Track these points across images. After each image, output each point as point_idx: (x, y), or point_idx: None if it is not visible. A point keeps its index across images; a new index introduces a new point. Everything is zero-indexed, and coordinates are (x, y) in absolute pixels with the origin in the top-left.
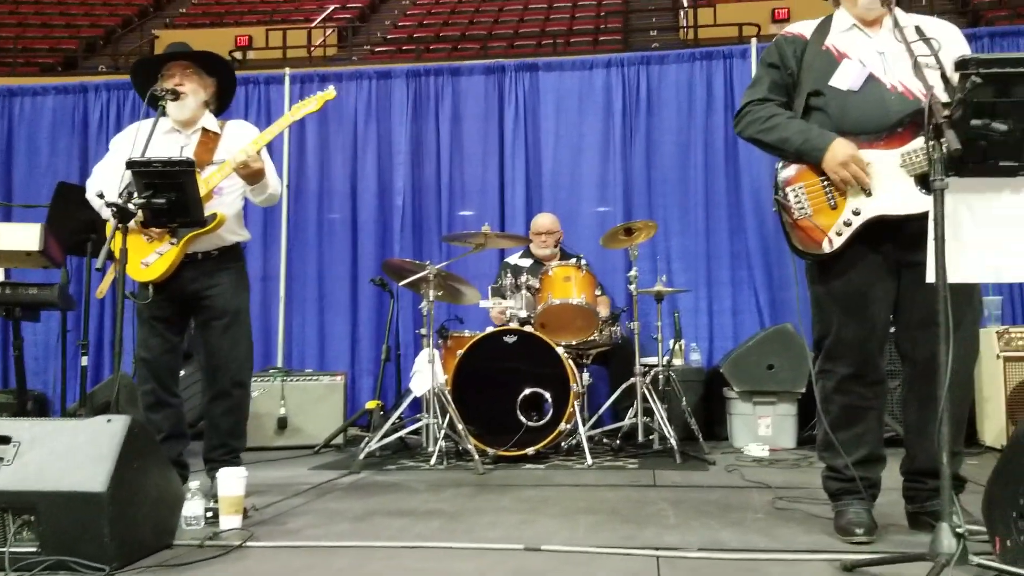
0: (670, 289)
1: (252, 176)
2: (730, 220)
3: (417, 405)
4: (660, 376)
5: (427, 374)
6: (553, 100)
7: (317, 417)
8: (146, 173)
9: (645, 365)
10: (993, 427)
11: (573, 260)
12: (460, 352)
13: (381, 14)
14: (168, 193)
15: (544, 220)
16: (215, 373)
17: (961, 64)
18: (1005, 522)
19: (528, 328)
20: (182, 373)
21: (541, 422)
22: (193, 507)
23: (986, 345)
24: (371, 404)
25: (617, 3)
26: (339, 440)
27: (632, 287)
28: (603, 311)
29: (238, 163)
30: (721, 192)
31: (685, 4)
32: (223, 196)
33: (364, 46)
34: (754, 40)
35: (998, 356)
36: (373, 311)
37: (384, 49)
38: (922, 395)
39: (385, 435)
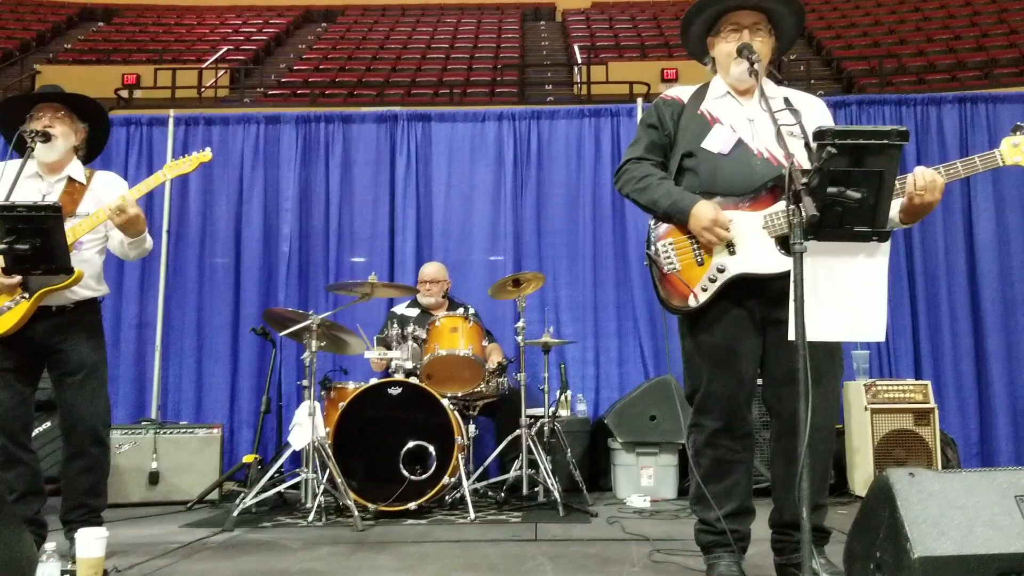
0: (557, 340)
1: (130, 224)
2: (616, 272)
3: (298, 458)
4: (545, 427)
5: (307, 427)
6: (445, 150)
7: (191, 472)
8: (9, 217)
9: (531, 416)
10: (861, 477)
11: (460, 310)
12: (343, 404)
13: (276, 57)
14: (32, 239)
15: (431, 269)
16: (72, 430)
17: (818, 135)
18: (863, 573)
19: (413, 379)
20: (46, 426)
21: (424, 475)
22: (48, 570)
23: (855, 398)
24: (248, 458)
25: (514, 57)
26: (214, 496)
27: (519, 338)
28: (495, 359)
29: (114, 209)
30: (608, 244)
31: (579, 61)
32: (82, 251)
33: (257, 88)
34: (640, 99)
35: (866, 408)
36: (255, 361)
37: (277, 92)
38: (788, 449)
39: (262, 490)
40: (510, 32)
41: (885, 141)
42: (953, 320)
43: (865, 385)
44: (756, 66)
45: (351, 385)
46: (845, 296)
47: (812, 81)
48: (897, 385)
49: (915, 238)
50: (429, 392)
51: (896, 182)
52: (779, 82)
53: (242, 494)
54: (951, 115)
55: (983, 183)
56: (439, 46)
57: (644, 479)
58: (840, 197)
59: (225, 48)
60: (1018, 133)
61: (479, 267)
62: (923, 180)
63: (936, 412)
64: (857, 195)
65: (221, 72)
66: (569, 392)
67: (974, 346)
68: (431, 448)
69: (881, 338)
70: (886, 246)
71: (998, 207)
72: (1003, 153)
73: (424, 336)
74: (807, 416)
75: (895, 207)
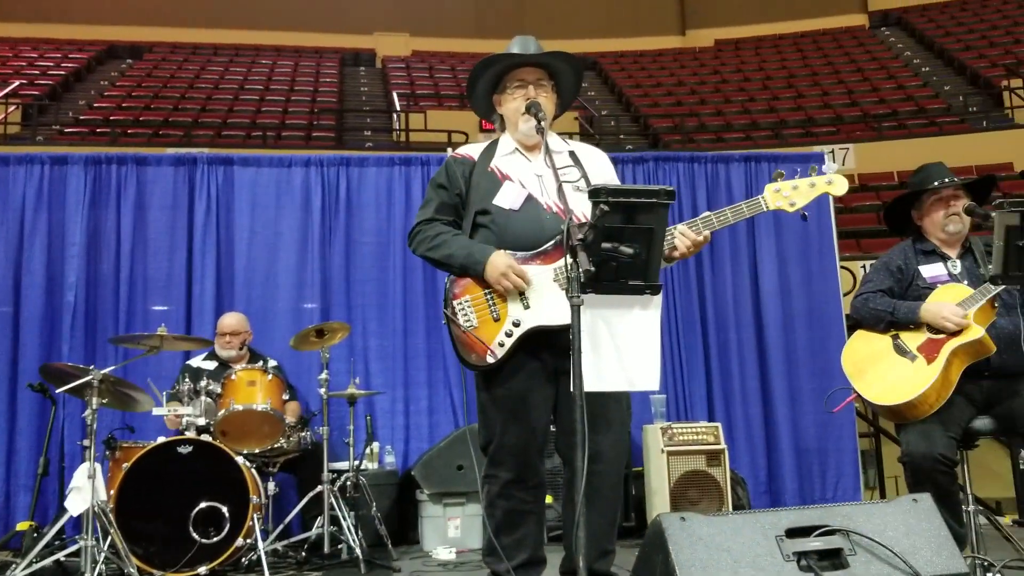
0: (363, 392)
1: None
2: (428, 320)
3: (80, 524)
4: (349, 482)
5: (86, 490)
6: (249, 195)
7: None
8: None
9: (335, 471)
10: None
11: (260, 363)
12: (127, 464)
13: (75, 93)
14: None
15: (230, 320)
16: None
17: (593, 193)
18: None
19: (206, 436)
20: None
21: (217, 538)
22: None
23: (653, 441)
24: (23, 525)
25: (332, 102)
26: None
27: (322, 390)
28: (290, 417)
29: None
30: (419, 292)
31: (398, 108)
32: None
33: (52, 126)
34: (449, 149)
35: (663, 451)
36: (34, 419)
37: (75, 131)
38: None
39: (36, 559)
40: (328, 76)
41: (654, 200)
42: (742, 365)
43: (662, 428)
44: (543, 123)
45: (139, 443)
46: (622, 347)
47: (621, 136)
48: (691, 428)
49: (707, 287)
50: (222, 449)
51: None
52: (597, 132)
53: (14, 564)
54: (738, 172)
55: (767, 238)
56: (253, 87)
57: (451, 530)
58: (614, 252)
59: (18, 83)
60: (779, 180)
61: (284, 316)
62: (683, 246)
63: (726, 453)
64: (630, 250)
65: (12, 108)
66: (377, 444)
67: (761, 389)
68: (224, 509)
69: (655, 387)
70: (658, 299)
71: (780, 261)
72: (766, 199)
73: (219, 391)
74: (583, 465)
75: None
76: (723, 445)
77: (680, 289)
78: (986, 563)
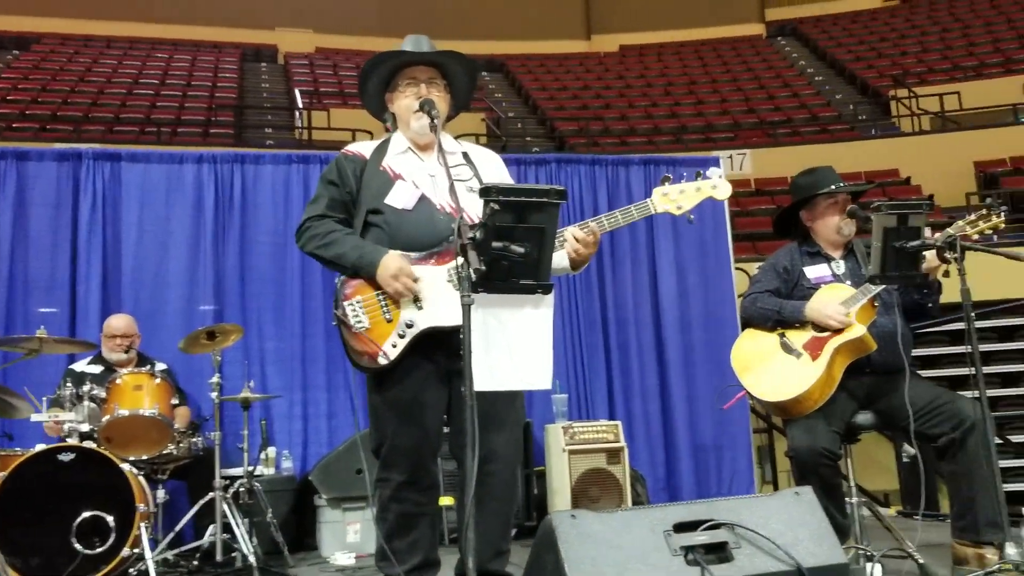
0: (258, 395)
1: None
2: (327, 322)
3: None
4: (243, 488)
5: None
6: (137, 192)
7: None
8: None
9: (228, 477)
10: None
11: (147, 367)
12: (3, 474)
13: None
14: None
15: (117, 322)
16: None
17: (483, 192)
18: None
19: (90, 443)
20: None
21: (102, 548)
22: None
23: (554, 440)
24: None
25: (231, 98)
26: None
27: (214, 394)
28: (180, 423)
29: None
30: (318, 294)
31: (300, 105)
32: None
33: None
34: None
35: (564, 450)
36: None
37: None
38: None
39: None
40: (228, 72)
41: (545, 199)
42: (642, 364)
43: (563, 427)
44: (436, 121)
45: (18, 451)
46: (514, 346)
47: (528, 138)
48: (591, 427)
49: (608, 289)
50: (106, 456)
51: (560, 235)
52: (507, 134)
53: None
54: (638, 174)
55: (665, 241)
56: (148, 82)
57: (351, 535)
58: (505, 251)
59: None
60: (666, 184)
61: (176, 318)
62: (576, 244)
63: (626, 451)
64: (521, 250)
65: None
66: (273, 449)
67: (660, 388)
68: (109, 518)
69: (548, 386)
70: (550, 298)
71: (678, 263)
72: (654, 202)
73: (103, 395)
74: (473, 466)
75: (565, 256)
76: (623, 443)
77: (582, 290)
78: (868, 553)
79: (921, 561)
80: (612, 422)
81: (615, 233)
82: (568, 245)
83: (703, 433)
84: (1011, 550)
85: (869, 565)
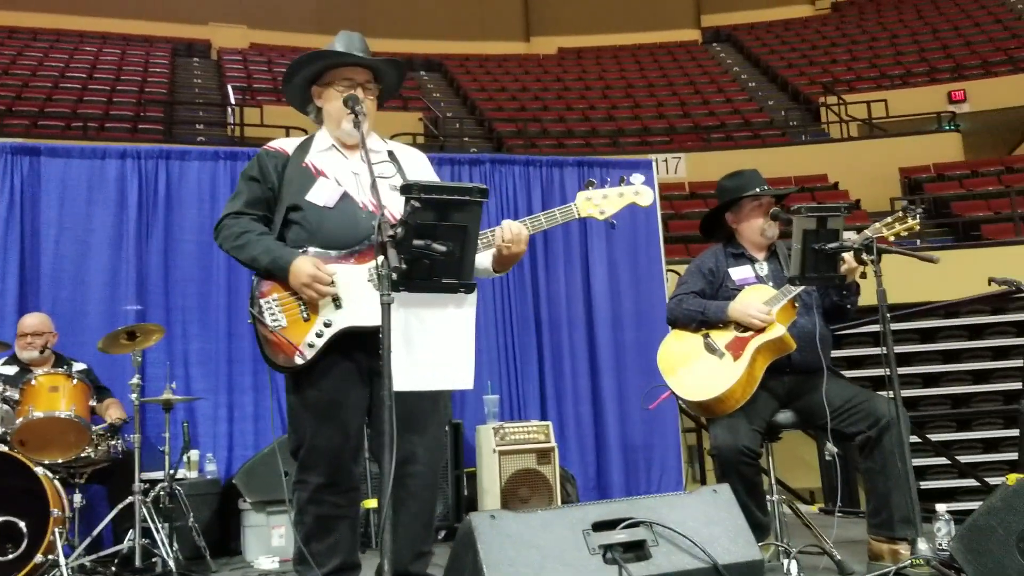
0: (180, 397)
1: None
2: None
3: None
4: (163, 492)
5: None
6: (57, 188)
7: None
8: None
9: (149, 481)
10: None
11: (64, 368)
12: None
13: None
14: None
15: (31, 320)
16: None
17: (404, 188)
18: None
19: (1, 447)
20: None
21: (13, 555)
22: None
23: (485, 441)
24: None
25: (162, 93)
26: None
27: (134, 396)
28: (113, 413)
29: None
30: (244, 294)
31: (232, 102)
32: None
33: None
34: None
35: (494, 450)
36: None
37: None
38: (393, 499)
39: None
40: (159, 67)
41: (468, 198)
42: (574, 364)
43: (494, 428)
44: (361, 118)
45: None
46: (435, 346)
47: (466, 139)
48: (522, 427)
49: (541, 289)
50: (18, 460)
51: (489, 234)
52: (443, 134)
53: None
54: (572, 176)
55: (598, 242)
56: (75, 76)
57: (275, 539)
58: (427, 250)
59: None
60: (590, 188)
61: (97, 319)
62: (510, 233)
63: (556, 451)
64: (443, 248)
65: None
66: (196, 452)
67: (591, 388)
68: (21, 523)
69: (469, 386)
70: (473, 297)
71: (611, 264)
72: (578, 207)
73: (17, 397)
74: (391, 468)
75: (488, 257)
76: (553, 443)
77: (516, 290)
78: (786, 549)
79: (837, 557)
80: (543, 422)
81: (549, 233)
82: (496, 239)
83: (633, 433)
84: (923, 546)
85: (787, 561)
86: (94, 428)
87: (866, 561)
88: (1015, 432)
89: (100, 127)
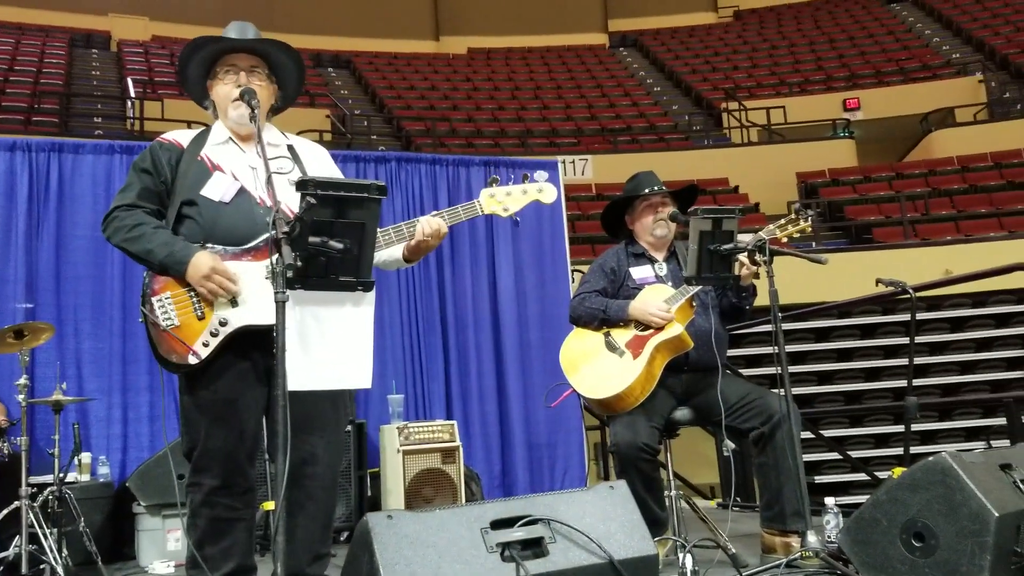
0: (71, 398)
1: None
2: None
3: None
4: (52, 496)
5: None
6: None
7: None
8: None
9: (37, 485)
10: None
11: None
12: None
13: None
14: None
15: None
16: None
17: (300, 184)
18: None
19: None
20: None
21: None
22: None
23: (389, 441)
24: None
25: (58, 85)
26: None
27: (21, 397)
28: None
29: None
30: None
31: (132, 95)
32: None
33: None
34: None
35: (399, 450)
36: None
37: None
38: (291, 500)
39: None
40: (55, 58)
41: (365, 195)
42: (479, 364)
43: (398, 428)
44: (256, 111)
45: None
46: (332, 345)
47: (374, 137)
48: (427, 427)
49: (447, 289)
50: None
51: (407, 227)
52: (351, 131)
53: None
54: (478, 175)
55: (504, 243)
56: None
57: (171, 543)
58: (323, 247)
59: None
60: (494, 185)
61: None
62: (430, 228)
63: (461, 450)
64: (339, 245)
65: None
66: (88, 455)
67: (497, 387)
68: None
69: (367, 385)
70: (371, 295)
71: (517, 264)
72: (481, 203)
73: None
74: (284, 468)
75: (399, 250)
76: (458, 442)
77: (422, 289)
78: (683, 543)
79: (732, 551)
80: (448, 422)
81: (456, 233)
82: (417, 234)
83: (537, 431)
84: (812, 538)
85: (682, 555)
86: None
87: (759, 554)
88: (903, 428)
89: None
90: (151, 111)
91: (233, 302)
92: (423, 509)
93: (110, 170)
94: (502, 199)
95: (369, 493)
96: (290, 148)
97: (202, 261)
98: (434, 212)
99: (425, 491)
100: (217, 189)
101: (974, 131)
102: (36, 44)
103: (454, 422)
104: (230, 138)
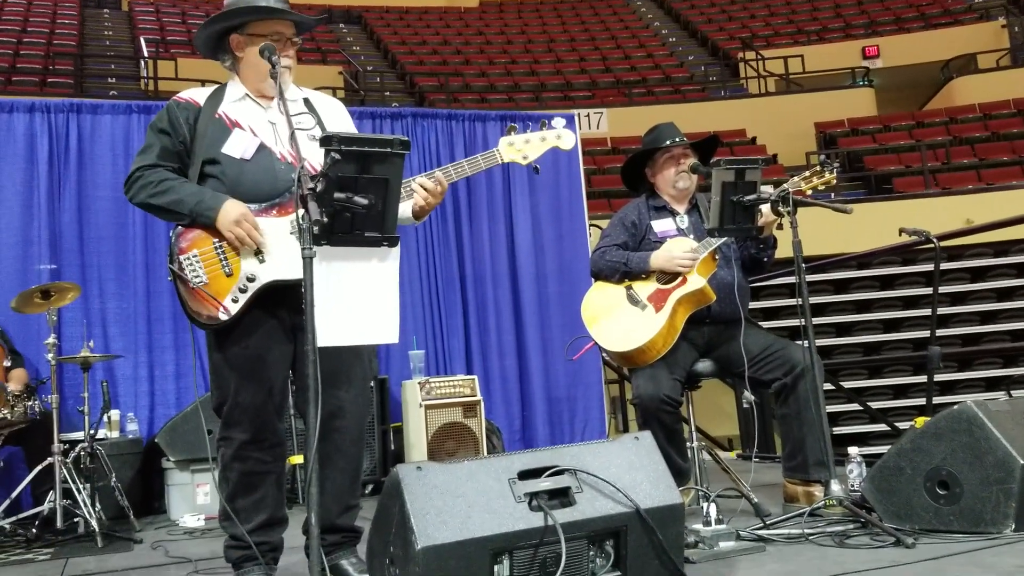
0: (98, 356)
1: None
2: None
3: None
4: (83, 452)
5: None
6: None
7: None
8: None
9: (68, 442)
10: None
11: None
12: None
13: None
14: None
15: None
16: None
17: (324, 140)
18: (381, 569)
19: None
20: None
21: None
22: None
23: (411, 396)
24: None
25: (71, 45)
26: None
27: (50, 356)
28: (15, 385)
29: None
30: (162, 251)
31: (145, 55)
32: None
33: None
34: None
35: (420, 405)
36: None
37: None
38: (320, 454)
39: None
40: (67, 18)
41: (388, 150)
42: (498, 319)
43: (420, 383)
44: (277, 68)
45: None
46: (359, 300)
47: (387, 93)
48: (448, 381)
49: (465, 244)
50: None
51: (406, 185)
52: (364, 89)
53: None
54: (494, 130)
55: (521, 197)
56: None
57: (200, 497)
58: (348, 203)
59: None
60: (512, 133)
61: (9, 278)
62: (429, 186)
63: (482, 404)
64: (365, 201)
65: None
66: (117, 412)
67: (516, 342)
68: None
69: (394, 340)
70: (396, 250)
71: (534, 219)
72: (500, 152)
73: None
74: (316, 423)
75: (408, 207)
76: (479, 397)
77: (440, 246)
78: (706, 493)
79: (755, 500)
80: (469, 377)
81: (473, 189)
82: (416, 195)
83: (557, 385)
84: (835, 487)
85: (706, 505)
86: (9, 389)
87: (782, 503)
88: (924, 378)
89: (7, 81)
90: (164, 71)
91: (260, 258)
92: (451, 461)
93: (128, 130)
94: (521, 147)
95: (392, 447)
96: (306, 101)
97: (232, 207)
98: (454, 163)
99: (447, 444)
100: (238, 146)
101: (996, 77)
102: (48, 5)
103: (475, 376)
104: (247, 94)
